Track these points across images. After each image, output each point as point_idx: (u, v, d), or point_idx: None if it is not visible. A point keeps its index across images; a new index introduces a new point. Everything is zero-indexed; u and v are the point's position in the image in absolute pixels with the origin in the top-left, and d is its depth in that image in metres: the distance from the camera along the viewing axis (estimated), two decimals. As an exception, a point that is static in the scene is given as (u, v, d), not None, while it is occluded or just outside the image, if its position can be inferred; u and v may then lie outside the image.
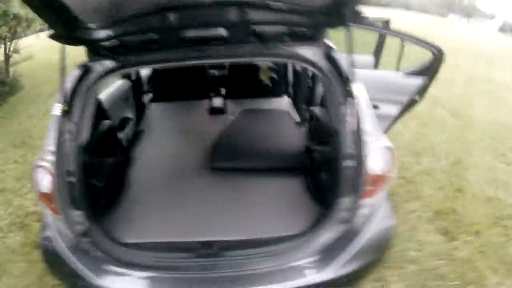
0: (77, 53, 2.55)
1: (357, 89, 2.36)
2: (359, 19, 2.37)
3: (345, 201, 2.35)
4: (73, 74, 2.50)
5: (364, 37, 4.95)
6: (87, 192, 2.46)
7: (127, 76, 4.58)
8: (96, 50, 2.52)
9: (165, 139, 4.12)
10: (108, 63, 2.52)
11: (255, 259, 2.34)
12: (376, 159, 2.27)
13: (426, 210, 4.11)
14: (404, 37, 3.87)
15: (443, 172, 5.09)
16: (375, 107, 3.85)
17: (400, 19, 29.97)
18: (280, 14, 2.38)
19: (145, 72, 5.38)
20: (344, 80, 2.42)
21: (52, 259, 2.41)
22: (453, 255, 3.49)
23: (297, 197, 2.97)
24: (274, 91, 5.08)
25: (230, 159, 3.38)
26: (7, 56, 11.25)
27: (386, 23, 4.88)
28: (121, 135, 3.82)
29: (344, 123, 2.36)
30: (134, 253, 2.39)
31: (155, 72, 5.18)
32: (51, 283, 3.09)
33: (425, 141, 6.23)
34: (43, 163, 2.25)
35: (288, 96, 5.15)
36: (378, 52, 4.86)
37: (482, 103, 9.20)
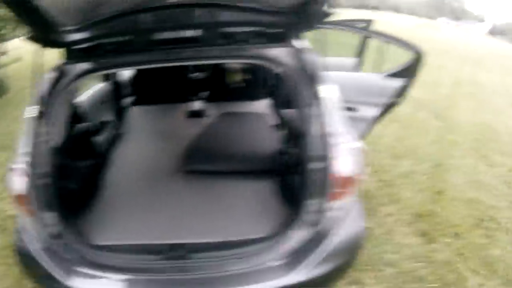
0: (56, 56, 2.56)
1: (326, 90, 2.36)
2: (327, 19, 2.35)
3: (312, 203, 2.34)
4: (48, 76, 2.49)
5: (352, 40, 4.97)
6: (61, 194, 2.46)
7: (108, 79, 4.57)
8: (71, 52, 2.52)
9: (143, 142, 4.14)
10: (83, 65, 2.52)
11: (224, 261, 2.36)
12: (344, 161, 2.26)
13: (404, 213, 4.10)
14: (383, 38, 3.88)
15: (423, 174, 5.10)
16: (353, 109, 3.90)
17: (388, 22, 30.19)
18: (248, 15, 2.39)
19: (126, 75, 5.35)
20: (312, 81, 2.41)
21: (26, 261, 2.44)
22: (432, 257, 3.48)
23: (269, 199, 2.98)
24: (255, 94, 5.08)
25: (203, 162, 3.40)
26: (-6, 58, 11.07)
27: (368, 23, 4.89)
28: (100, 138, 3.81)
29: (311, 124, 2.35)
30: (106, 255, 2.41)
31: (136, 75, 5.17)
32: (29, 286, 3.06)
33: (406, 143, 6.23)
34: (17, 165, 2.28)
35: (269, 99, 5.13)
36: (360, 54, 4.87)
37: (466, 105, 9.26)
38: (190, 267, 2.36)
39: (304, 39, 2.68)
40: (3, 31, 10.71)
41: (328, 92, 2.37)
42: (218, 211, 2.86)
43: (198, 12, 2.40)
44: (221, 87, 4.99)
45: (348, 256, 2.44)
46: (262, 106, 4.90)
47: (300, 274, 2.26)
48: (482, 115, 8.45)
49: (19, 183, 2.27)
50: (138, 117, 4.90)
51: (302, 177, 2.47)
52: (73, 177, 2.86)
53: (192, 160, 3.43)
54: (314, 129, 2.33)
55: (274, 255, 2.34)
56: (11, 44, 11.84)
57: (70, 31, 2.36)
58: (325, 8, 2.19)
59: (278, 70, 2.55)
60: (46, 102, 2.40)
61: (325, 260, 2.30)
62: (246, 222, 2.72)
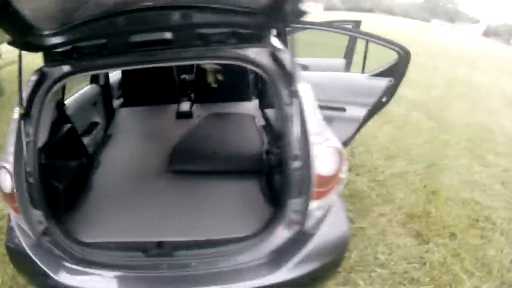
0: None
1: (303, 89, 2.36)
2: (302, 18, 2.36)
3: (293, 203, 2.36)
4: (30, 79, 2.54)
5: (342, 41, 4.98)
6: (47, 192, 2.53)
7: (96, 81, 4.58)
8: (50, 56, 2.56)
9: (131, 143, 4.17)
10: (62, 68, 2.56)
11: (208, 259, 2.38)
12: (323, 160, 2.26)
13: (397, 213, 4.06)
14: (369, 38, 3.87)
15: (417, 175, 5.06)
16: (341, 109, 3.88)
17: (382, 24, 30.39)
18: (223, 16, 2.41)
19: (115, 77, 5.40)
20: (289, 80, 2.41)
21: (16, 257, 2.54)
22: (426, 258, 3.43)
23: (253, 199, 3.00)
24: (243, 95, 5.10)
25: (188, 162, 3.43)
26: (-13, 61, 11.04)
27: (357, 24, 4.90)
28: (88, 139, 3.86)
29: (289, 124, 2.37)
30: (93, 252, 2.45)
31: (125, 77, 5.21)
32: (22, 283, 3.09)
33: (400, 144, 6.20)
34: (5, 164, 2.35)
35: (257, 100, 5.12)
36: (349, 54, 4.87)
37: (460, 106, 9.29)
38: (174, 265, 2.39)
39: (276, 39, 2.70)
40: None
41: (305, 91, 2.37)
42: (203, 210, 2.88)
43: (173, 14, 2.44)
44: (210, 88, 4.98)
45: (333, 256, 2.44)
46: (250, 106, 4.93)
47: (282, 274, 2.27)
48: (476, 115, 8.47)
49: (5, 181, 2.34)
50: (126, 118, 4.93)
51: (283, 176, 2.51)
52: (60, 176, 2.91)
53: (178, 160, 3.46)
54: (292, 128, 2.35)
55: (256, 254, 2.35)
56: (5, 47, 11.82)
57: (48, 35, 2.39)
58: (299, 6, 2.19)
59: (255, 70, 2.57)
60: (29, 103, 2.46)
61: (309, 259, 2.31)
62: (231, 221, 2.75)
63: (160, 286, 2.33)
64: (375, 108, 3.93)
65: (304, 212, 2.32)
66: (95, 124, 4.21)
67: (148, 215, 2.86)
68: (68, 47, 2.51)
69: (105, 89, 4.73)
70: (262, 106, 4.65)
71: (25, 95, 2.44)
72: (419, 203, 4.34)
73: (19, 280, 3.12)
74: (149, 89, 5.06)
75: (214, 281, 2.28)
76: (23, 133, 2.38)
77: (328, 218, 2.39)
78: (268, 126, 3.75)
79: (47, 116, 2.64)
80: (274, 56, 2.50)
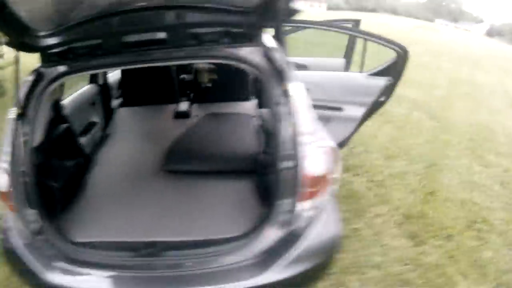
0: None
1: (295, 88, 2.35)
2: (294, 16, 2.38)
3: (284, 203, 2.34)
4: (26, 79, 2.57)
5: (342, 40, 4.95)
6: (42, 192, 2.53)
7: (95, 81, 4.58)
8: (46, 56, 2.58)
9: (128, 143, 4.17)
10: (58, 69, 2.59)
11: (199, 259, 2.39)
12: (314, 160, 2.24)
13: (394, 214, 4.02)
14: (367, 37, 3.85)
15: (416, 175, 5.02)
16: (339, 109, 3.85)
17: (386, 24, 30.32)
18: (215, 16, 2.43)
19: (114, 77, 5.39)
20: (281, 80, 2.40)
21: (9, 256, 2.53)
22: (421, 260, 3.40)
23: (247, 199, 3.00)
24: (242, 95, 5.08)
25: (183, 162, 3.43)
26: (-11, 62, 11.06)
27: (356, 23, 4.87)
28: (85, 139, 3.86)
29: (280, 123, 2.36)
30: (85, 252, 2.46)
31: (124, 77, 5.20)
32: (18, 283, 3.04)
33: (400, 144, 6.15)
34: (1, 164, 2.37)
35: (255, 100, 5.11)
36: (348, 54, 4.85)
37: (463, 105, 9.24)
38: (166, 265, 2.41)
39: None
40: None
41: (297, 90, 2.37)
42: (197, 210, 2.89)
43: (166, 14, 2.47)
44: (209, 88, 4.99)
45: (324, 257, 2.44)
46: (248, 106, 4.91)
47: (272, 275, 2.27)
48: (478, 115, 8.42)
49: (2, 180, 2.37)
50: (125, 118, 4.92)
51: (275, 176, 2.49)
52: (56, 176, 2.92)
53: (173, 160, 3.47)
54: (283, 128, 2.34)
55: (246, 255, 2.36)
56: (7, 47, 11.84)
57: (44, 36, 2.42)
58: (291, 5, 2.19)
59: (248, 69, 2.58)
60: (25, 104, 2.48)
61: (299, 260, 2.31)
62: (223, 221, 2.74)
63: (152, 286, 2.35)
64: (373, 108, 3.92)
65: (293, 213, 2.31)
66: (93, 123, 4.21)
67: (141, 215, 2.87)
68: (64, 48, 2.53)
69: (104, 89, 4.73)
70: (258, 106, 4.64)
71: (21, 95, 2.47)
72: (417, 203, 4.31)
73: (13, 280, 3.07)
74: (148, 89, 5.07)
75: (207, 281, 2.29)
76: (19, 133, 2.41)
77: (320, 218, 2.39)
78: (263, 126, 3.75)
79: (43, 116, 2.66)
80: (267, 55, 2.50)
